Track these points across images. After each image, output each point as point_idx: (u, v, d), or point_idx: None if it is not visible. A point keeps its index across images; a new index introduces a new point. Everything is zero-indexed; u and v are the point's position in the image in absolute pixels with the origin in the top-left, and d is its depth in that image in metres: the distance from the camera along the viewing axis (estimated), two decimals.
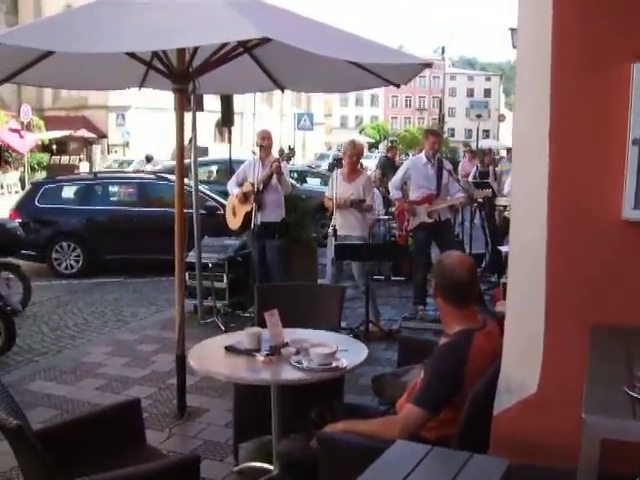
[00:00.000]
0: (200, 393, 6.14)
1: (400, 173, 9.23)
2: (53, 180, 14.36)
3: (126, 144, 40.93)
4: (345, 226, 8.11)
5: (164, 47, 4.89)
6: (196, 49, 5.27)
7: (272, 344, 4.07)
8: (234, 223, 9.16)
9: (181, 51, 5.30)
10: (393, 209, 12.48)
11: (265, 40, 5.35)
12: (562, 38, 2.93)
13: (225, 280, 9.10)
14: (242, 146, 41.88)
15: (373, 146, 70.46)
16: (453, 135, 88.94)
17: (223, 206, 12.44)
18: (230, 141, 10.56)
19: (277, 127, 54.12)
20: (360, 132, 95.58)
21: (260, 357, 3.95)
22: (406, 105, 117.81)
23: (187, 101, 5.58)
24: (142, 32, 4.42)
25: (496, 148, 43.11)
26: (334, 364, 3.84)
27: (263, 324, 4.84)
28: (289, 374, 3.82)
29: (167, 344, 7.83)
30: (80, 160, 37.82)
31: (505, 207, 11.08)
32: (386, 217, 12.18)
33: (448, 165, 9.35)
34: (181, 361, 5.66)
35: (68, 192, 13.62)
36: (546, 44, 2.94)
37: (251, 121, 51.35)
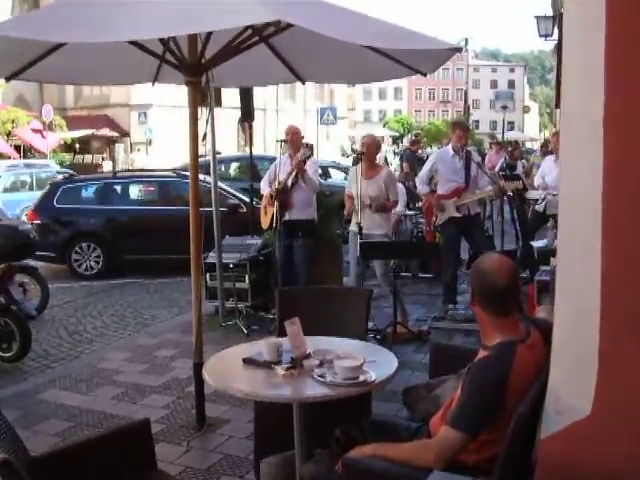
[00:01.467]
0: (220, 402, 5.82)
1: (427, 167, 8.86)
2: (72, 180, 14.16)
3: (149, 142, 40.76)
4: (367, 224, 7.76)
5: (172, 34, 4.57)
6: (208, 39, 4.95)
7: (293, 356, 3.75)
8: (264, 222, 8.89)
9: (193, 42, 4.99)
10: (420, 204, 12.16)
11: (281, 28, 5.05)
12: None
13: (247, 281, 8.81)
14: (266, 143, 41.70)
15: (397, 139, 69.93)
16: (478, 127, 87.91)
17: (245, 204, 12.23)
18: (251, 137, 10.24)
19: (301, 122, 54.08)
20: (384, 125, 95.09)
21: (280, 370, 3.62)
22: (430, 98, 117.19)
23: (201, 95, 5.26)
24: (152, 21, 4.13)
25: (521, 140, 42.61)
26: (361, 378, 3.50)
27: (284, 331, 4.55)
28: (311, 390, 3.49)
29: (187, 348, 7.51)
30: (103, 159, 37.66)
31: (536, 201, 10.67)
32: (412, 213, 11.84)
33: (477, 157, 8.97)
34: (199, 369, 5.35)
35: (87, 192, 13.40)
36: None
37: (274, 117, 51.33)
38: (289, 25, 5.10)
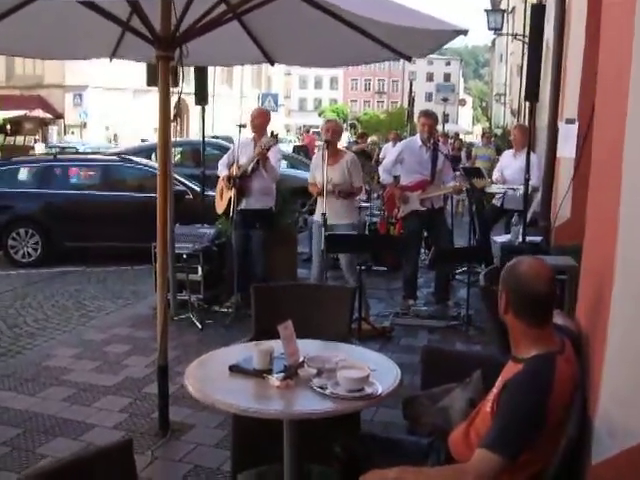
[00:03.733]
0: (182, 404, 5.36)
1: (392, 156, 8.53)
2: (8, 162, 13.41)
3: (83, 125, 39.68)
4: (332, 214, 7.38)
5: None
6: (184, 13, 4.52)
7: (287, 363, 3.37)
8: (220, 207, 8.47)
9: (166, 13, 4.54)
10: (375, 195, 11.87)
11: (256, 5, 4.66)
12: None
13: (200, 272, 8.37)
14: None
15: None
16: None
17: (192, 190, 11.75)
18: (204, 121, 9.75)
19: (237, 108, 53.32)
20: (319, 115, 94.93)
21: (274, 381, 3.23)
22: (365, 88, 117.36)
23: (173, 72, 4.81)
24: None
25: (458, 132, 42.78)
26: (367, 390, 3.14)
27: (262, 332, 4.18)
28: (313, 404, 3.09)
29: (139, 345, 7.10)
30: (35, 141, 36.44)
31: (493, 195, 10.44)
32: (367, 204, 11.52)
33: (445, 149, 8.69)
34: (163, 372, 4.94)
35: (25, 174, 12.68)
36: None
37: (210, 102, 50.46)
38: (265, 1, 4.73)
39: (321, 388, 3.17)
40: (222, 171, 8.32)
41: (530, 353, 2.73)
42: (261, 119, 8.12)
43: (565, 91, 8.41)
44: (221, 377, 3.38)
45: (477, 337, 7.48)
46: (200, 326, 7.64)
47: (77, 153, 22.48)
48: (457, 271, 10.14)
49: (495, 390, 2.82)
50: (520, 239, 8.50)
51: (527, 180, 8.55)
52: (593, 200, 3.56)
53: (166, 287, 4.91)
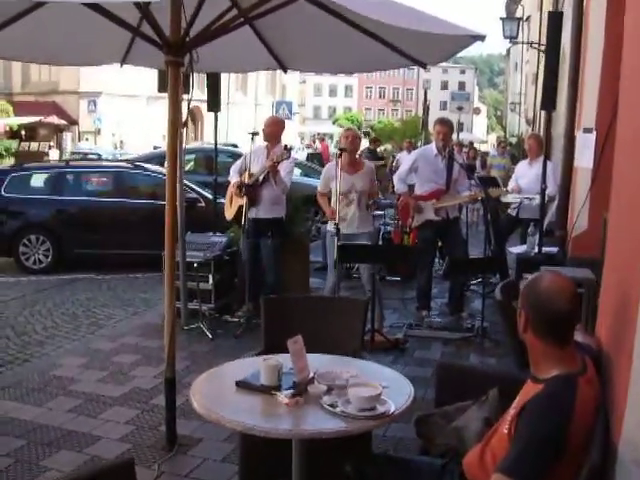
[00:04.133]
0: (190, 417, 5.24)
1: (407, 165, 8.40)
2: (21, 168, 13.35)
3: (97, 131, 39.74)
4: (349, 223, 7.29)
5: None
6: (195, 16, 4.42)
7: (296, 380, 3.25)
8: (229, 213, 8.39)
9: (176, 17, 4.44)
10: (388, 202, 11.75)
11: (268, 10, 4.56)
12: None
13: (211, 281, 8.27)
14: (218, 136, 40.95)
15: None
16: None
17: (204, 198, 11.67)
18: (216, 128, 9.69)
19: (252, 116, 53.35)
20: (334, 122, 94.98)
21: (283, 398, 3.11)
22: (380, 96, 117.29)
23: (184, 78, 4.71)
24: None
25: (472, 141, 42.53)
26: (380, 409, 3.02)
27: (272, 346, 4.07)
28: (323, 423, 2.96)
29: (148, 355, 7.00)
30: (50, 147, 36.53)
31: (509, 205, 10.29)
32: (381, 212, 11.40)
33: (460, 159, 8.56)
34: (171, 385, 4.83)
35: (37, 181, 12.61)
36: None
37: (225, 110, 50.52)
38: (277, 7, 4.62)
39: (331, 406, 3.05)
40: (233, 177, 8.24)
41: (550, 373, 2.60)
42: (274, 128, 8.01)
43: (582, 100, 8.26)
44: (228, 393, 3.27)
45: (492, 350, 7.34)
46: (210, 336, 7.53)
47: (99, 160, 22.41)
48: (471, 282, 10.00)
49: (513, 411, 2.69)
50: (536, 250, 8.38)
51: (544, 190, 8.43)
52: (616, 211, 3.43)
53: (174, 297, 4.79)
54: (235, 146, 20.13)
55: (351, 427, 2.93)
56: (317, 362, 3.49)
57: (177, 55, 4.42)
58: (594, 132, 7.58)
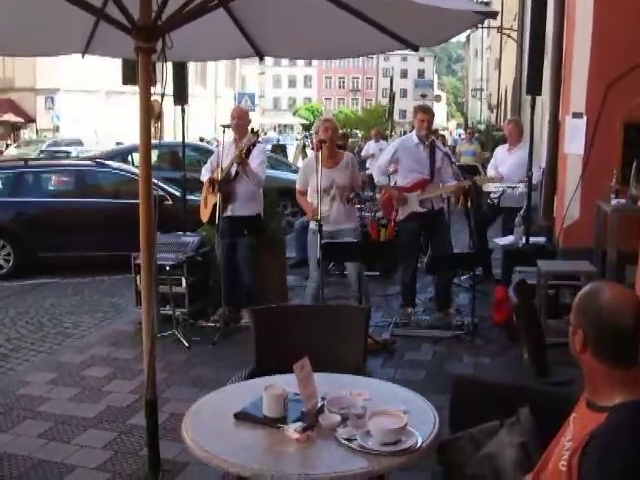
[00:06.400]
0: (172, 438, 4.79)
1: (387, 155, 7.97)
2: None
3: (56, 128, 38.83)
4: (332, 220, 6.88)
5: None
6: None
7: (305, 409, 2.82)
8: (204, 215, 7.89)
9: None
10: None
11: None
12: None
13: (184, 284, 7.79)
14: (176, 129, 40.30)
15: (307, 128, 69.35)
16: (405, 116, 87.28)
17: (171, 195, 11.17)
18: (184, 122, 9.21)
19: (212, 108, 52.65)
20: (294, 114, 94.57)
21: (292, 432, 2.68)
22: (340, 86, 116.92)
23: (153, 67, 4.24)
24: None
25: (437, 128, 42.40)
26: (405, 442, 2.61)
27: (264, 362, 3.65)
28: (343, 462, 2.54)
29: (121, 367, 6.53)
30: (8, 145, 35.57)
31: (489, 193, 9.89)
32: (357, 206, 10.98)
33: (444, 147, 8.17)
34: (152, 407, 4.37)
35: None
36: None
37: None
38: None
39: (348, 440, 2.63)
40: (205, 175, 7.76)
41: (613, 400, 2.21)
42: (243, 119, 7.57)
43: (569, 84, 7.90)
44: (226, 428, 2.83)
45: (484, 348, 6.97)
46: (187, 344, 7.08)
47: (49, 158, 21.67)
48: (461, 277, 9.62)
49: (570, 444, 2.29)
50: (523, 241, 8.05)
51: (530, 177, 8.10)
52: None
53: (152, 311, 4.32)
54: (202, 140, 19.56)
55: (375, 466, 2.52)
56: (322, 383, 3.06)
57: (148, 40, 3.94)
58: (584, 117, 7.25)
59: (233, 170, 7.36)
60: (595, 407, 2.27)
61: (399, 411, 2.74)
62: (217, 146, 8.13)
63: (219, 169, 7.42)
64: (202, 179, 7.83)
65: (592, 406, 2.29)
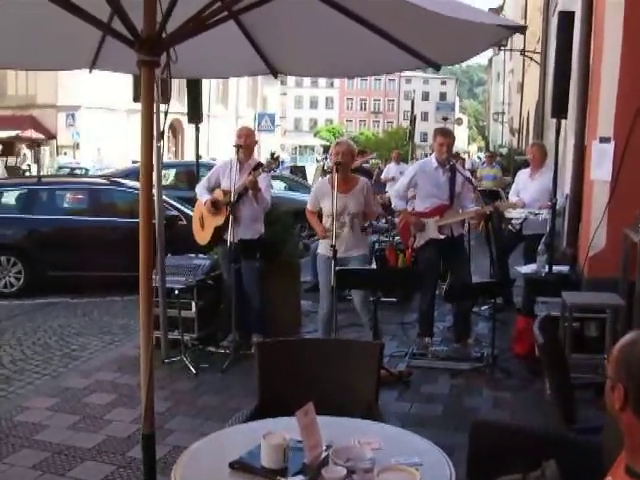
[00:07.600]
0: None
1: (405, 179, 7.69)
2: None
3: (76, 145, 38.92)
4: (343, 246, 6.61)
5: None
6: (171, 8, 3.73)
7: (307, 460, 2.55)
8: (202, 237, 7.63)
9: (150, 11, 3.74)
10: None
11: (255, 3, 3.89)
12: None
13: (194, 309, 7.55)
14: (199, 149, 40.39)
15: (328, 149, 69.40)
16: (425, 139, 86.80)
17: (186, 215, 10.94)
18: (197, 141, 9.03)
19: (233, 129, 52.65)
20: (315, 135, 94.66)
21: None
22: (361, 108, 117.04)
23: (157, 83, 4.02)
24: None
25: (458, 152, 42.18)
26: None
27: (269, 400, 3.39)
28: None
29: (125, 394, 6.28)
30: (29, 166, 35.72)
31: (510, 220, 9.57)
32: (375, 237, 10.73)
33: (466, 172, 7.91)
34: (149, 441, 4.09)
35: (7, 198, 11.88)
36: None
37: (206, 122, 49.84)
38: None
39: None
40: (203, 195, 7.49)
41: None
42: (251, 139, 7.40)
43: (595, 107, 7.61)
44: (220, 478, 2.56)
45: (504, 382, 6.68)
46: (194, 371, 6.83)
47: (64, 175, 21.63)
48: (481, 307, 9.32)
49: None
50: (546, 269, 7.74)
51: (554, 204, 7.84)
52: None
53: (152, 339, 4.06)
54: (214, 159, 19.44)
55: None
56: (327, 428, 2.78)
57: (152, 53, 3.70)
58: (612, 142, 6.96)
59: (235, 195, 7.12)
60: (636, 475, 1.98)
61: (411, 467, 2.46)
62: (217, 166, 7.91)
63: (220, 190, 7.22)
64: (199, 197, 7.58)
65: (633, 474, 2.00)
